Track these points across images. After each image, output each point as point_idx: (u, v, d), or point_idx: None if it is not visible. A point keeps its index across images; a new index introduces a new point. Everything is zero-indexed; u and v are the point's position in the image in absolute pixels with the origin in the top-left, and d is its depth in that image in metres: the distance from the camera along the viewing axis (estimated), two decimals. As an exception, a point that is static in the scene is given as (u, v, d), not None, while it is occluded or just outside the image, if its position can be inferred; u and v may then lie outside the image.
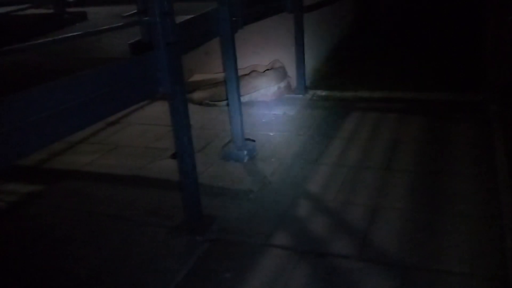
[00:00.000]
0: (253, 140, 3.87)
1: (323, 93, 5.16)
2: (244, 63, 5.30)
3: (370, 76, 5.56)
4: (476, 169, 3.21)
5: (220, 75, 4.95)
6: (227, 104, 3.70)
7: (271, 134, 4.14)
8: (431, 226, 2.61)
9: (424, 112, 4.38)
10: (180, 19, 2.63)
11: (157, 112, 4.94)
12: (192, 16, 2.89)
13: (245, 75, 5.04)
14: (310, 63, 5.21)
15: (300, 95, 5.06)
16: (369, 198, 2.95)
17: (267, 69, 5.11)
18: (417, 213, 2.75)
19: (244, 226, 2.76)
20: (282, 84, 5.07)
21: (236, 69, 3.50)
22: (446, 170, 3.24)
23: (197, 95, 5.07)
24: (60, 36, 1.91)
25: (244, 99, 4.91)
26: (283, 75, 5.11)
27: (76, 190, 3.39)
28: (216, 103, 4.95)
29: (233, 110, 3.60)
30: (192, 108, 4.97)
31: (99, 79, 1.91)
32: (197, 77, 5.43)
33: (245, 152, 3.63)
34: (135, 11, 2.26)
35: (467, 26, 6.29)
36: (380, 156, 3.54)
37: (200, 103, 5.02)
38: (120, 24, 2.07)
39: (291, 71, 5.16)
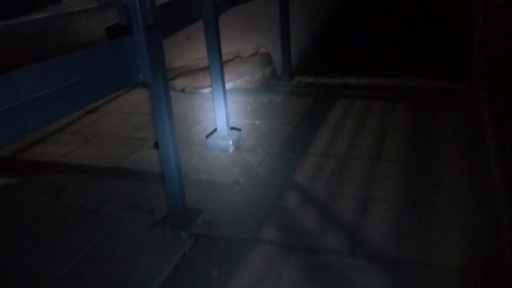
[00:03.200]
0: (239, 130, 3.74)
1: (309, 79, 5.05)
2: (228, 48, 5.12)
3: (356, 62, 5.47)
4: (467, 158, 3.16)
5: (203, 61, 4.77)
6: (211, 92, 3.55)
7: (257, 123, 4.01)
8: (423, 219, 2.53)
9: (411, 100, 4.31)
10: (160, 1, 2.47)
11: (137, 100, 4.76)
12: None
13: (229, 61, 4.88)
14: (295, 48, 5.07)
15: (286, 82, 4.93)
16: (358, 189, 2.86)
17: (252, 55, 4.95)
18: (408, 205, 2.67)
19: (231, 220, 2.64)
20: (267, 71, 4.93)
21: (220, 55, 3.35)
22: (437, 159, 3.17)
23: (179, 82, 4.90)
24: (30, 18, 1.74)
25: (228, 86, 4.75)
26: (268, 61, 4.96)
27: (53, 183, 3.22)
28: (199, 90, 4.79)
29: (217, 98, 3.45)
30: (174, 95, 4.86)
31: (73, 66, 1.74)
32: (178, 63, 5.25)
33: (231, 142, 3.50)
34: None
35: (452, 13, 6.23)
36: (368, 145, 3.45)
37: (182, 90, 4.85)
38: (95, 5, 1.90)
39: (276, 56, 5.02)
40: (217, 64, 3.34)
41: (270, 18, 4.86)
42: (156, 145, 3.32)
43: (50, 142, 3.90)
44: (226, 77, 4.74)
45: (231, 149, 3.51)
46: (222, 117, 3.50)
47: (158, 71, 2.16)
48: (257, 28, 5.04)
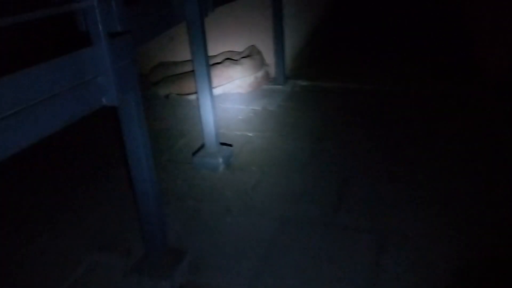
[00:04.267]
0: (230, 145, 3.29)
1: (304, 83, 4.61)
2: (216, 49, 4.67)
3: (357, 65, 5.02)
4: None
5: (189, 63, 4.31)
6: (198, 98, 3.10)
7: (250, 134, 3.57)
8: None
9: (420, 106, 3.90)
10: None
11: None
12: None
13: (218, 63, 4.43)
14: (289, 49, 4.63)
15: (280, 86, 4.49)
16: (376, 220, 2.44)
17: (243, 57, 4.50)
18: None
19: (221, 263, 2.21)
20: (260, 74, 4.48)
21: (207, 61, 2.89)
22: (457, 172, 2.77)
23: (163, 87, 4.43)
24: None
25: (217, 91, 4.32)
26: (261, 63, 4.52)
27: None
28: (185, 96, 4.33)
29: (204, 110, 3.01)
30: (157, 103, 4.42)
31: (11, 91, 1.29)
32: (161, 66, 4.77)
33: (220, 160, 3.06)
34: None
35: (455, 12, 5.81)
36: (378, 162, 3.03)
37: (166, 96, 4.38)
38: (44, 10, 1.44)
39: (269, 58, 4.58)
40: (204, 73, 2.89)
41: (263, 17, 4.41)
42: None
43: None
44: (215, 81, 4.30)
45: (221, 168, 3.07)
46: (210, 131, 3.06)
47: (128, 91, 1.71)
48: (249, 27, 4.59)
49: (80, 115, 1.51)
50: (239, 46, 4.67)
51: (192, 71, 2.95)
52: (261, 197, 2.72)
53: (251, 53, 4.52)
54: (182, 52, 4.53)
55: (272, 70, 4.58)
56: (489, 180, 2.74)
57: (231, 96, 4.33)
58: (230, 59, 4.48)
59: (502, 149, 3.07)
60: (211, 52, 4.55)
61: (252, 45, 4.58)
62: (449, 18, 5.67)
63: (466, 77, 4.37)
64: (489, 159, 2.96)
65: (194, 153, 3.19)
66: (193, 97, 4.25)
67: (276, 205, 2.64)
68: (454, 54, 4.91)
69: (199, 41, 2.80)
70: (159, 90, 4.42)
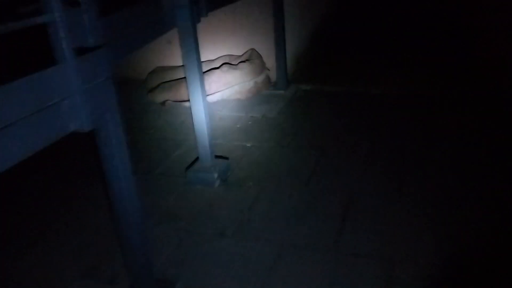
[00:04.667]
0: (226, 158, 3.09)
1: (307, 87, 4.39)
2: (214, 53, 4.47)
3: (363, 67, 4.79)
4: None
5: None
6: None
7: (248, 145, 3.36)
8: None
9: (428, 111, 3.66)
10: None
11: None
12: (135, 4, 2.05)
13: (215, 68, 4.22)
14: (290, 51, 4.41)
15: (281, 91, 4.27)
16: (384, 244, 2.23)
17: (242, 61, 4.29)
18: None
19: (215, 296, 2.01)
20: (260, 79, 4.27)
21: (199, 69, 2.69)
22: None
23: (159, 94, 4.23)
24: None
25: (214, 98, 4.13)
26: (261, 67, 4.30)
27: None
28: (182, 103, 4.12)
29: (197, 121, 2.81)
30: (153, 109, 4.22)
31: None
32: (158, 71, 4.57)
33: (215, 175, 2.86)
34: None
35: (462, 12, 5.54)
36: (385, 175, 2.82)
37: (163, 103, 4.19)
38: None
39: (270, 62, 4.37)
40: (196, 81, 2.69)
41: (263, 19, 4.20)
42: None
43: None
44: (213, 87, 4.11)
45: (217, 183, 2.87)
46: (205, 144, 2.86)
47: (103, 114, 1.50)
48: (248, 30, 4.38)
49: (44, 144, 1.32)
50: (238, 49, 4.46)
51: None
52: (258, 217, 2.52)
53: (251, 57, 4.31)
54: (180, 56, 4.33)
55: (273, 75, 4.37)
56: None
57: (229, 103, 4.13)
58: (229, 63, 4.27)
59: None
60: (208, 56, 4.40)
61: (252, 49, 4.37)
62: (458, 18, 5.42)
63: (476, 80, 4.13)
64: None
65: (188, 167, 2.99)
66: (190, 104, 4.05)
67: (274, 227, 2.43)
68: (464, 56, 4.66)
69: (191, 47, 2.61)
70: (155, 97, 4.23)
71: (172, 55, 4.59)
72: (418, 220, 2.38)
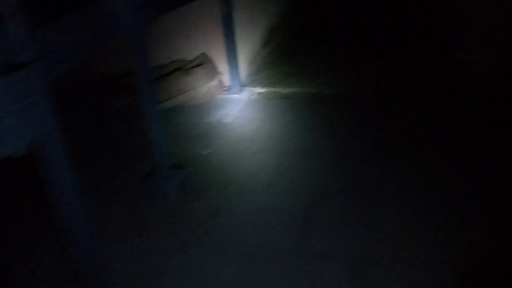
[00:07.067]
0: (184, 166, 2.99)
1: (261, 90, 4.35)
2: (165, 59, 4.34)
3: (316, 67, 4.78)
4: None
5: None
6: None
7: (206, 152, 3.28)
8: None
9: (387, 109, 3.69)
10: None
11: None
12: (74, 13, 1.92)
13: (167, 74, 4.10)
14: (242, 54, 4.36)
15: (236, 95, 4.21)
16: (348, 246, 2.21)
17: (194, 66, 4.19)
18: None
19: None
20: (213, 83, 4.19)
21: (150, 77, 2.59)
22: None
23: (119, 98, 4.04)
24: None
25: (168, 104, 4.01)
26: (214, 72, 4.22)
27: None
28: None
29: (151, 129, 2.70)
30: (111, 117, 4.02)
31: None
32: (118, 74, 4.35)
33: (173, 186, 2.76)
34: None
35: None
36: (347, 175, 2.82)
37: (121, 108, 3.99)
38: None
39: (222, 66, 4.29)
40: (147, 90, 2.59)
41: (214, 22, 4.11)
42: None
43: None
44: (165, 94, 3.98)
45: (174, 194, 2.77)
46: (160, 153, 2.75)
47: (40, 137, 1.38)
48: (201, 33, 4.28)
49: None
50: (189, 54, 4.35)
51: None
52: (220, 227, 2.45)
53: (203, 62, 4.22)
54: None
55: (226, 78, 4.30)
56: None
57: (183, 109, 4.02)
58: (181, 69, 4.16)
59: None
60: (161, 61, 4.26)
61: (203, 53, 4.28)
62: (421, 10, 5.42)
63: (440, 76, 4.15)
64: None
65: (145, 178, 2.87)
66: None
67: (237, 236, 2.36)
68: (426, 50, 4.65)
69: (139, 54, 2.49)
70: (114, 102, 4.03)
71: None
72: (378, 218, 2.39)
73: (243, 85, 4.29)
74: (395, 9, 5.68)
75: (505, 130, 3.07)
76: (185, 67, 4.19)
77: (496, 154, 2.84)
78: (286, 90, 4.26)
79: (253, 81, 4.49)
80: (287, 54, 5.25)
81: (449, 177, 2.68)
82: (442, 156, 2.91)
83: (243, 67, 4.41)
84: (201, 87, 4.09)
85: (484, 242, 2.15)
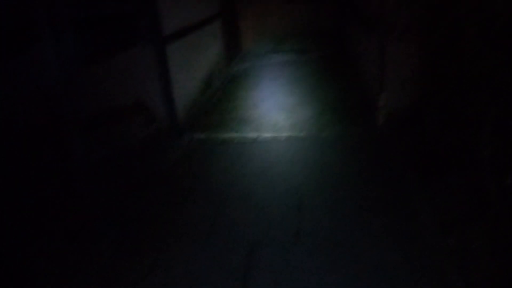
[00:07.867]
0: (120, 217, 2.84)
1: (202, 135, 4.31)
2: (99, 106, 4.20)
3: (255, 111, 4.85)
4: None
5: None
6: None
7: (144, 202, 3.14)
8: None
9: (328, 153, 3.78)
10: None
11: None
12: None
13: (102, 122, 3.95)
14: (180, 100, 4.32)
15: (175, 142, 4.14)
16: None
17: (129, 112, 4.08)
18: None
19: None
20: (150, 130, 4.09)
21: (79, 128, 2.47)
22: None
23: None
24: None
25: (102, 153, 3.84)
26: (150, 118, 4.14)
27: None
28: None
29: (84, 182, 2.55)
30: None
31: None
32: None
33: (106, 243, 2.60)
34: None
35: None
36: (284, 223, 2.80)
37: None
38: None
39: (159, 112, 4.23)
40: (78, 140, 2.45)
41: (148, 65, 4.07)
42: None
43: None
44: (100, 143, 3.83)
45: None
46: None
47: None
48: (136, 78, 4.20)
49: None
50: (125, 100, 4.25)
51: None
52: None
53: (138, 107, 4.13)
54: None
55: (164, 124, 4.22)
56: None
57: (118, 158, 3.87)
58: (115, 116, 4.04)
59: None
60: (93, 109, 4.10)
61: (138, 98, 4.19)
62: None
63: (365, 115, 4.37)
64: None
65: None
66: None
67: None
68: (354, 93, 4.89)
69: (68, 104, 2.39)
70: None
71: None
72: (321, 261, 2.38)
73: (182, 131, 4.24)
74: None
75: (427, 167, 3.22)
76: (121, 114, 4.08)
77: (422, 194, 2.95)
78: (224, 135, 4.25)
79: (192, 127, 4.45)
80: (224, 101, 5.29)
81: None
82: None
83: (182, 113, 4.36)
84: (137, 134, 3.98)
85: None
